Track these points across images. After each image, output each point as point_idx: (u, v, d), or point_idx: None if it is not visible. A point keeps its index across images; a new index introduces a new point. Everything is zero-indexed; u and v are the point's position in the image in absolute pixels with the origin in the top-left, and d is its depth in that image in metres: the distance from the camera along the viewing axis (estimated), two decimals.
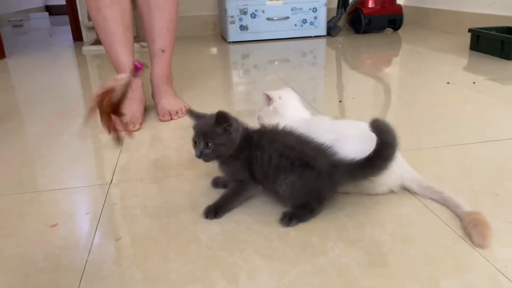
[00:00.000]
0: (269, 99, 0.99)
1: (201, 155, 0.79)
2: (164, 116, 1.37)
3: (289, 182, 0.76)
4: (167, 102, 1.41)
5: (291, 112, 0.97)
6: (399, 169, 0.84)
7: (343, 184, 0.81)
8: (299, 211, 0.78)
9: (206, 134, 0.78)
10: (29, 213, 0.86)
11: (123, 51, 1.35)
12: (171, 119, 1.38)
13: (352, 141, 0.82)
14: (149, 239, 0.75)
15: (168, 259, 0.69)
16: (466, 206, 0.77)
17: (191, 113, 0.84)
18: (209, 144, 0.78)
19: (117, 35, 1.34)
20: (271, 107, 0.98)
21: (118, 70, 1.39)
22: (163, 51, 1.42)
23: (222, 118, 0.78)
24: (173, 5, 1.40)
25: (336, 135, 0.85)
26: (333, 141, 0.82)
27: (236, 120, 0.82)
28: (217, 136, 0.78)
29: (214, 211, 0.80)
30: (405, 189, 0.86)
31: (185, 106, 1.43)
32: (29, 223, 0.82)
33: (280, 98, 0.99)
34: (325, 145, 0.80)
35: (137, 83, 1.38)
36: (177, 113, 1.39)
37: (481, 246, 0.68)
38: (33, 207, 0.88)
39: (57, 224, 0.81)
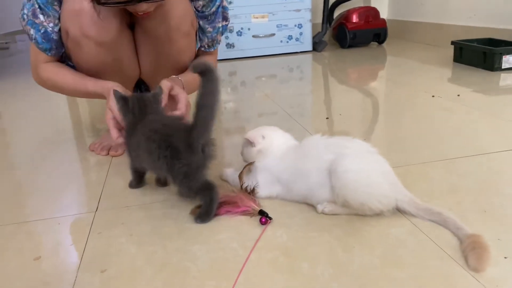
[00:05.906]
0: (250, 142, 0.94)
1: None
2: None
3: (166, 164, 0.83)
4: None
5: (275, 148, 0.93)
6: (393, 192, 0.83)
7: (206, 144, 0.83)
8: (204, 206, 0.85)
9: None
10: (10, 247, 0.83)
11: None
12: None
13: (351, 158, 0.83)
14: (135, 270, 0.73)
15: None
16: (467, 228, 0.75)
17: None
18: None
19: None
20: (255, 149, 0.93)
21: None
22: None
23: None
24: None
25: (333, 155, 0.84)
26: (332, 161, 0.83)
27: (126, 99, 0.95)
28: None
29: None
30: (395, 209, 0.85)
31: None
32: (11, 257, 0.80)
33: (264, 137, 0.94)
34: (184, 120, 0.88)
35: None
36: None
37: (476, 270, 0.67)
38: (15, 240, 0.86)
39: (40, 257, 0.79)
